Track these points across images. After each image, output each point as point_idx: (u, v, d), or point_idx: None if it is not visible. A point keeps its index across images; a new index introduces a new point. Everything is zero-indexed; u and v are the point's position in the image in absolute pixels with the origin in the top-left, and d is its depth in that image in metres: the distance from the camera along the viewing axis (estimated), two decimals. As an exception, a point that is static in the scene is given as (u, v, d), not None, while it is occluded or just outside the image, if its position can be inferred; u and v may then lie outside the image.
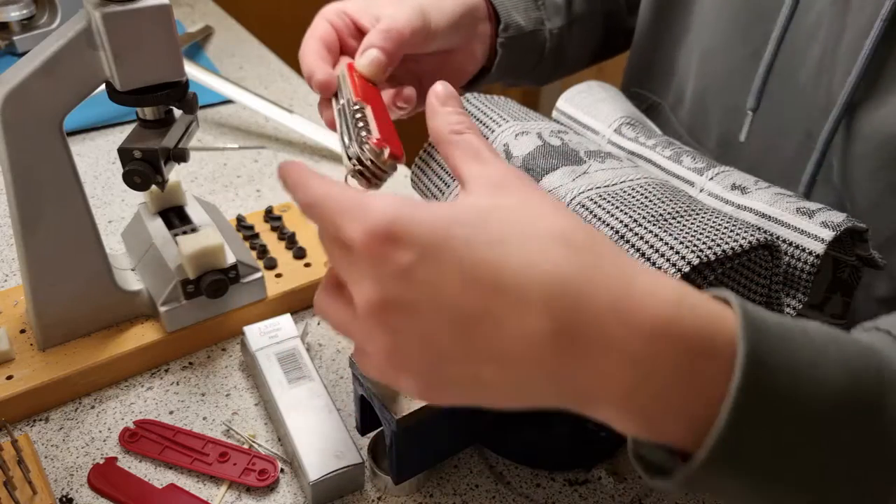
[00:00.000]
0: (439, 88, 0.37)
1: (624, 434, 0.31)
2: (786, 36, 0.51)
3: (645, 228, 0.40)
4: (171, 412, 0.54)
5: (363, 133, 0.38)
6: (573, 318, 0.29)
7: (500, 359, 0.30)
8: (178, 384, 0.57)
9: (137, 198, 0.78)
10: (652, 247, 0.39)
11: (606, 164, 0.46)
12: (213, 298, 0.58)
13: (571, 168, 0.45)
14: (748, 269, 0.40)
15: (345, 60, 0.49)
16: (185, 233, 0.61)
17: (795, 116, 0.52)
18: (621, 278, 0.29)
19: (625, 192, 0.44)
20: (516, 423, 0.50)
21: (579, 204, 0.43)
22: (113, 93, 0.50)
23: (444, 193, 0.49)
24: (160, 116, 0.53)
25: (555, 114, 0.58)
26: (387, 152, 0.36)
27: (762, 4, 0.53)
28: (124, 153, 0.51)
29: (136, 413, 0.54)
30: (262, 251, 0.66)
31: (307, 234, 0.69)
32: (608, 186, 0.44)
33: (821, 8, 0.49)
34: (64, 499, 0.48)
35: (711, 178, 0.47)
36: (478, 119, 0.51)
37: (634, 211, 0.42)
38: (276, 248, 0.67)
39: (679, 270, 0.37)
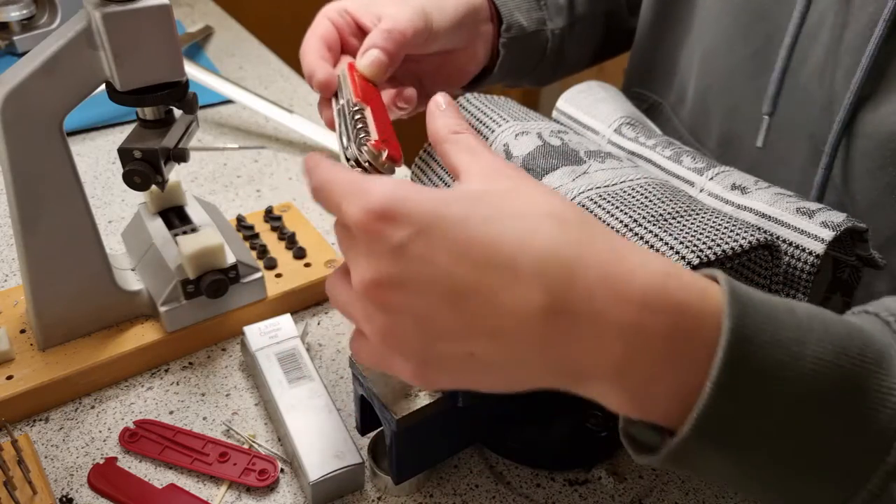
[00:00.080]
0: (440, 98, 0.38)
1: (614, 411, 0.32)
2: (782, 30, 0.51)
3: (645, 228, 0.40)
4: (171, 412, 0.54)
5: (362, 134, 0.38)
6: (565, 292, 0.29)
7: (493, 334, 0.30)
8: (178, 384, 0.57)
9: (137, 198, 0.78)
10: (652, 247, 0.39)
11: (606, 164, 0.46)
12: (213, 298, 0.58)
13: (571, 168, 0.45)
14: (748, 269, 0.40)
15: (345, 59, 0.49)
16: (185, 233, 0.61)
17: (796, 116, 0.52)
18: (611, 253, 0.30)
19: (625, 192, 0.44)
20: (516, 423, 0.50)
21: (579, 204, 0.43)
22: (113, 93, 0.50)
23: None
24: (160, 116, 0.53)
25: (555, 114, 0.58)
26: (385, 154, 0.36)
27: (763, 4, 0.53)
28: (124, 153, 0.51)
29: (136, 413, 0.54)
30: (262, 251, 0.66)
31: (307, 234, 0.69)
32: (608, 186, 0.44)
33: (822, 8, 0.49)
34: (64, 499, 0.48)
35: (711, 178, 0.47)
36: (478, 119, 0.51)
37: (634, 211, 0.42)
38: (276, 248, 0.67)
39: (679, 270, 0.37)
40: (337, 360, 0.60)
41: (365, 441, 0.50)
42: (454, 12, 0.54)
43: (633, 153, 0.52)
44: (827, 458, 0.29)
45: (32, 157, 0.49)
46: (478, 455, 0.52)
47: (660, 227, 0.40)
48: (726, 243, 0.39)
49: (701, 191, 0.47)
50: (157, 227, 0.61)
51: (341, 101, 0.44)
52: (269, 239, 0.68)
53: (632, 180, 0.45)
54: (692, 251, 0.38)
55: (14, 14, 1.00)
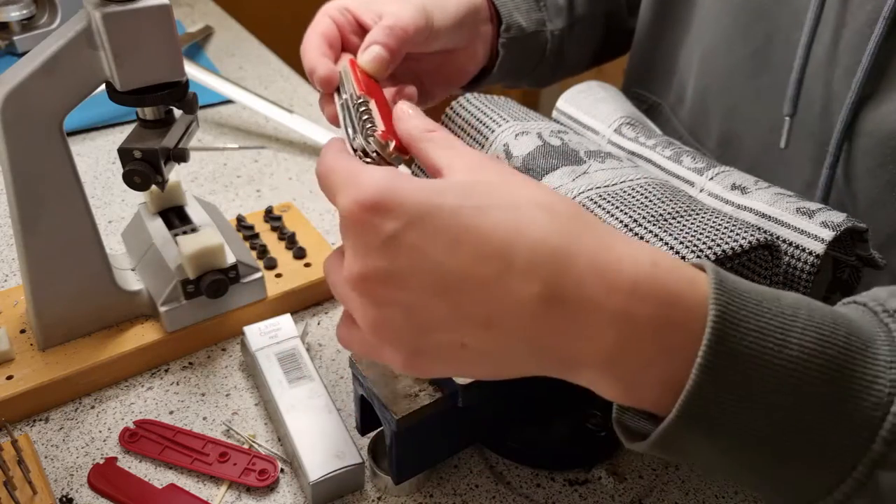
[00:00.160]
0: (405, 106, 0.38)
1: (605, 398, 0.32)
2: (788, 35, 0.51)
3: (645, 228, 0.40)
4: (171, 412, 0.54)
5: (368, 125, 0.38)
6: (557, 281, 0.30)
7: (486, 324, 0.31)
8: (178, 384, 0.57)
9: (137, 198, 0.78)
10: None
11: (606, 164, 0.46)
12: (213, 298, 0.58)
13: (571, 168, 0.45)
14: (748, 269, 0.40)
15: (346, 57, 0.49)
16: (185, 233, 0.61)
17: (797, 116, 0.52)
18: (601, 243, 0.31)
19: (625, 192, 0.44)
20: (516, 423, 0.50)
21: (579, 204, 0.43)
22: (113, 93, 0.50)
23: None
24: (160, 116, 0.53)
25: (555, 114, 0.58)
26: (392, 145, 0.36)
27: (762, 4, 0.53)
28: (124, 153, 0.51)
29: (136, 413, 0.54)
30: (262, 251, 0.66)
31: (307, 234, 0.69)
32: (608, 186, 0.44)
33: (823, 7, 0.49)
34: (64, 499, 0.48)
35: (711, 178, 0.47)
36: (477, 119, 0.51)
37: (634, 211, 0.42)
38: (276, 248, 0.67)
39: (679, 270, 0.37)
40: (337, 360, 0.60)
41: (365, 441, 0.50)
42: (455, 11, 0.54)
43: (633, 153, 0.52)
44: (813, 445, 0.30)
45: (32, 157, 0.49)
46: (478, 455, 0.52)
47: (660, 227, 0.40)
48: (726, 243, 0.39)
49: (701, 191, 0.47)
50: (157, 227, 0.61)
51: (344, 96, 0.44)
52: (269, 239, 0.68)
53: (632, 180, 0.45)
54: (692, 251, 0.38)
55: (14, 14, 1.00)
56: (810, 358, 0.29)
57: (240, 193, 0.81)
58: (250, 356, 0.56)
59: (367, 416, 0.48)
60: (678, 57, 0.64)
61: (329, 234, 0.74)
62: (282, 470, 0.50)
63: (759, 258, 0.40)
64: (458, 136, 0.37)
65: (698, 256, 0.38)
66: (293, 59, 1.13)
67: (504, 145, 0.48)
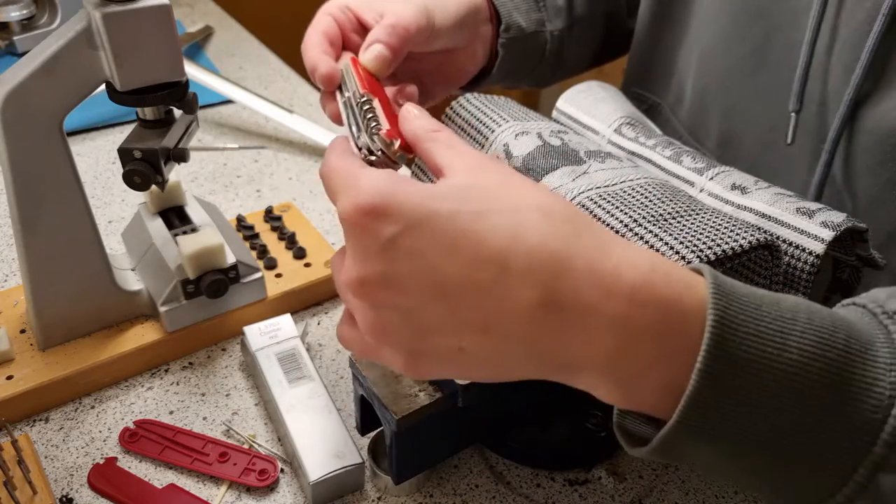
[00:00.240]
0: (410, 107, 0.38)
1: (605, 401, 0.32)
2: (787, 34, 0.51)
3: (645, 228, 0.40)
4: (171, 412, 0.54)
5: (373, 123, 0.38)
6: (555, 287, 0.30)
7: (484, 328, 0.31)
8: (178, 384, 0.57)
9: (137, 198, 0.78)
10: (652, 247, 0.39)
11: (606, 164, 0.46)
12: (213, 298, 0.58)
13: (571, 168, 0.45)
14: (748, 269, 0.40)
15: (346, 55, 0.49)
16: (185, 233, 0.61)
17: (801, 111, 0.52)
18: (599, 248, 0.31)
19: (625, 192, 0.44)
20: (516, 423, 0.50)
21: (579, 204, 0.43)
22: (113, 93, 0.50)
23: None
24: (160, 116, 0.53)
25: (555, 114, 0.58)
26: (397, 143, 0.36)
27: (762, 3, 0.53)
28: (124, 153, 0.51)
29: (136, 413, 0.54)
30: (262, 251, 0.66)
31: (307, 234, 0.69)
32: (608, 186, 0.44)
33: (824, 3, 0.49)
34: (64, 499, 0.48)
35: (711, 178, 0.47)
36: (477, 119, 0.51)
37: (634, 211, 0.42)
38: (276, 248, 0.67)
39: (679, 270, 0.37)
40: (337, 360, 0.60)
41: (365, 441, 0.50)
42: (456, 11, 0.54)
43: (633, 153, 0.52)
44: (814, 448, 0.30)
45: (32, 157, 0.49)
46: (478, 455, 0.52)
47: (660, 227, 0.40)
48: (726, 243, 0.39)
49: (701, 191, 0.47)
50: (157, 227, 0.61)
51: (346, 94, 0.44)
52: (269, 239, 0.68)
53: (632, 180, 0.45)
54: (692, 251, 0.38)
55: (14, 14, 1.00)
56: (810, 362, 0.29)
57: (240, 193, 0.81)
58: (250, 356, 0.56)
59: (367, 416, 0.48)
60: (677, 57, 0.64)
61: (329, 234, 0.74)
62: (282, 470, 0.50)
63: (759, 258, 0.40)
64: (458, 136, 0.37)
65: (698, 256, 0.38)
66: (293, 59, 1.13)
67: (504, 145, 0.48)
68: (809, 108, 0.51)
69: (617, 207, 0.42)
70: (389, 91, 0.50)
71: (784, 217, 0.43)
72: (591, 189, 0.44)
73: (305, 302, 0.65)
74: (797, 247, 0.41)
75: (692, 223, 0.41)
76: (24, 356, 0.55)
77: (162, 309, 0.57)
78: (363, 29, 0.51)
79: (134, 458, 0.51)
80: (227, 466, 0.50)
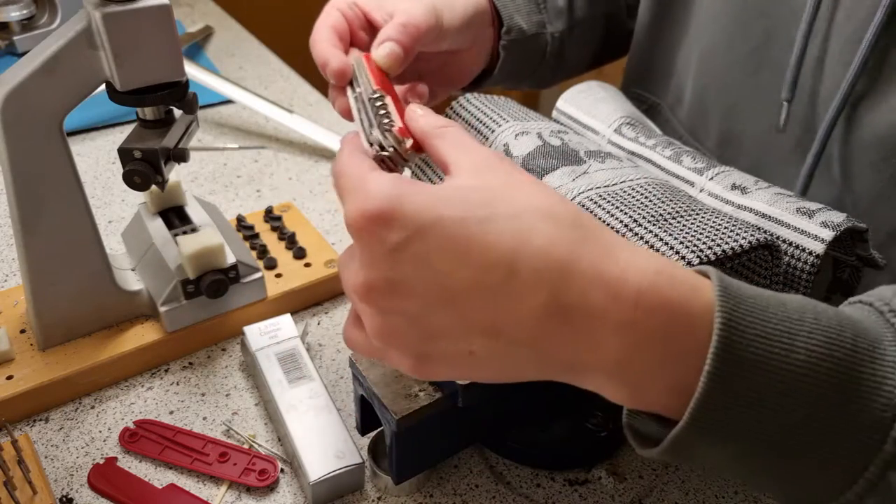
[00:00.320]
0: (415, 107, 0.38)
1: (614, 402, 0.32)
2: (787, 32, 0.51)
3: (645, 228, 0.40)
4: (171, 412, 0.54)
5: (385, 120, 0.38)
6: (562, 291, 0.30)
7: (491, 333, 0.31)
8: (178, 384, 0.57)
9: (137, 198, 0.78)
10: (652, 247, 0.39)
11: (606, 164, 0.46)
12: (213, 298, 0.58)
13: (571, 168, 0.45)
14: (748, 269, 0.40)
15: (354, 51, 0.49)
16: (185, 233, 0.61)
17: (796, 112, 0.52)
18: (605, 252, 0.31)
19: (625, 192, 0.44)
20: (516, 423, 0.50)
21: (579, 204, 0.43)
22: (113, 93, 0.50)
23: None
24: (160, 116, 0.53)
25: (555, 114, 0.58)
26: (409, 142, 0.36)
27: (763, 2, 0.53)
28: (124, 153, 0.51)
29: (136, 413, 0.54)
30: (262, 251, 0.66)
31: (307, 234, 0.69)
32: (608, 186, 0.44)
33: None
34: (64, 499, 0.48)
35: (711, 178, 0.47)
36: (478, 119, 0.51)
37: (634, 211, 0.42)
38: (276, 248, 0.67)
39: (679, 270, 0.37)
40: (337, 360, 0.60)
41: (365, 441, 0.50)
42: (463, 12, 0.54)
43: (633, 153, 0.52)
44: (823, 448, 0.30)
45: (32, 157, 0.49)
46: (478, 455, 0.52)
47: (660, 227, 0.40)
48: (726, 243, 0.39)
49: (701, 191, 0.47)
50: (157, 227, 0.61)
51: (358, 90, 0.44)
52: (269, 239, 0.68)
53: (632, 180, 0.45)
54: (692, 251, 0.38)
55: (14, 14, 1.00)
56: (818, 362, 0.29)
57: (240, 193, 0.81)
58: (250, 356, 0.56)
59: (367, 416, 0.48)
60: (676, 57, 0.64)
61: (329, 234, 0.74)
62: (282, 470, 0.50)
63: (759, 258, 0.40)
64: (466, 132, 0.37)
65: (698, 256, 0.38)
66: (293, 59, 1.13)
67: (504, 145, 0.48)
68: (809, 105, 0.51)
69: (617, 207, 0.42)
70: (400, 89, 0.50)
71: (784, 217, 0.43)
72: (591, 189, 0.44)
73: (305, 302, 0.65)
74: (797, 247, 0.41)
75: (692, 223, 0.41)
76: (24, 356, 0.55)
77: (162, 309, 0.57)
78: (370, 26, 0.51)
79: (134, 458, 0.51)
80: (227, 466, 0.50)
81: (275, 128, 0.94)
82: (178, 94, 0.51)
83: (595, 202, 0.43)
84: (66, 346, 0.56)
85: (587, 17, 0.67)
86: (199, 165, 0.85)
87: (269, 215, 0.71)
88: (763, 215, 0.43)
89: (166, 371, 0.58)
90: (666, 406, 0.31)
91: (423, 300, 0.31)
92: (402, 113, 0.39)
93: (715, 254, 0.38)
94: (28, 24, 1.03)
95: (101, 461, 0.50)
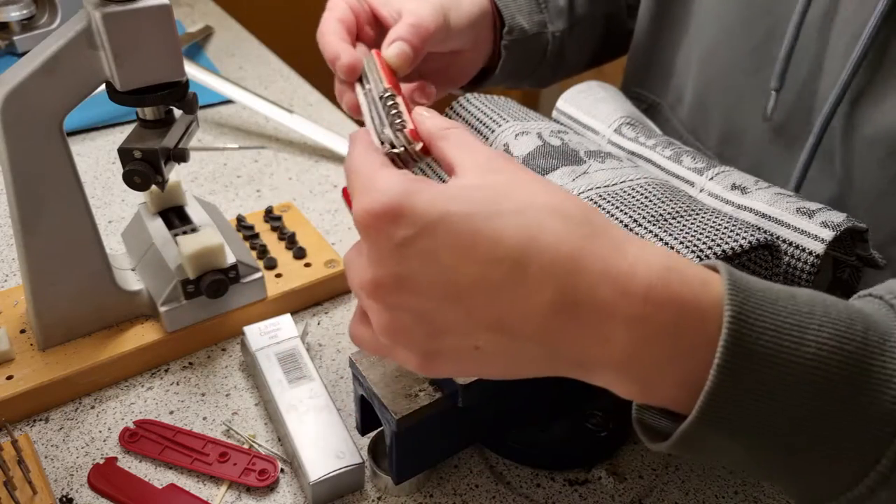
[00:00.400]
0: (422, 109, 0.39)
1: (623, 397, 0.32)
2: (786, 29, 0.51)
3: (645, 228, 0.40)
4: (171, 412, 0.54)
5: (397, 120, 0.38)
6: (571, 286, 0.30)
7: (499, 329, 0.31)
8: (178, 384, 0.57)
9: (137, 198, 0.78)
10: (652, 247, 0.39)
11: (606, 164, 0.46)
12: (213, 298, 0.58)
13: (571, 168, 0.45)
14: (748, 269, 0.40)
15: (361, 47, 0.49)
16: (185, 233, 0.61)
17: (795, 103, 0.52)
18: (613, 247, 0.31)
19: (625, 192, 0.44)
20: (516, 423, 0.50)
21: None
22: (113, 93, 0.50)
23: None
24: (160, 116, 0.53)
25: (555, 114, 0.58)
26: (420, 145, 0.37)
27: None
28: (124, 153, 0.51)
29: (136, 413, 0.54)
30: (262, 251, 0.66)
31: (307, 234, 0.69)
32: (608, 186, 0.44)
33: None
34: (64, 499, 0.48)
35: (711, 178, 0.47)
36: (478, 119, 0.51)
37: (634, 211, 0.42)
38: (276, 248, 0.67)
39: (679, 270, 0.37)
40: (337, 360, 0.60)
41: (365, 441, 0.50)
42: (469, 13, 0.54)
43: (633, 153, 0.52)
44: (834, 441, 0.30)
45: (32, 157, 0.49)
46: (478, 455, 0.52)
47: (660, 227, 0.40)
48: (726, 243, 0.39)
49: (701, 191, 0.47)
50: (157, 227, 0.61)
51: (367, 86, 0.44)
52: (269, 239, 0.68)
53: (632, 180, 0.45)
54: (692, 251, 0.38)
55: (14, 14, 1.00)
56: (829, 355, 0.29)
57: (240, 193, 0.81)
58: (250, 356, 0.56)
59: (367, 416, 0.48)
60: (676, 56, 0.64)
61: (329, 234, 0.74)
62: (282, 470, 0.50)
63: (759, 258, 0.40)
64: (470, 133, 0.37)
65: (698, 256, 0.38)
66: (293, 59, 1.13)
67: (504, 145, 0.48)
68: (808, 100, 0.51)
69: (617, 207, 0.42)
70: (407, 88, 0.50)
71: (784, 217, 0.43)
72: (591, 189, 0.44)
73: (305, 302, 0.65)
74: (797, 247, 0.41)
75: (692, 223, 0.41)
76: (24, 356, 0.55)
77: (162, 309, 0.57)
78: (378, 23, 0.51)
79: (134, 458, 0.51)
80: (227, 466, 0.50)
81: (275, 128, 0.94)
82: (178, 94, 0.51)
83: (595, 202, 0.43)
84: (66, 346, 0.56)
85: (588, 17, 0.67)
86: (199, 165, 0.85)
87: (269, 215, 0.71)
88: (763, 215, 0.43)
89: (166, 371, 0.58)
90: (675, 400, 0.31)
91: (429, 296, 0.31)
92: (410, 113, 0.39)
93: (715, 254, 0.38)
94: (28, 24, 1.03)
95: (101, 461, 0.50)
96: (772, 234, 0.42)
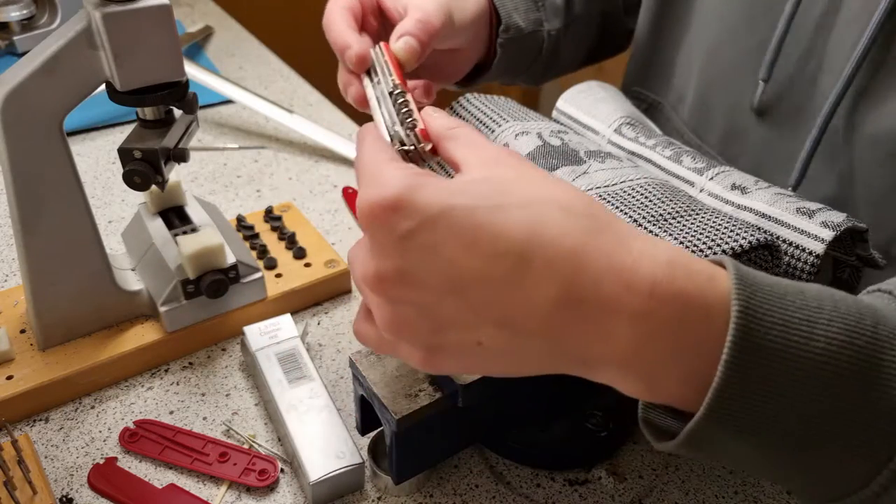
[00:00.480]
0: (429, 109, 0.38)
1: (627, 395, 0.32)
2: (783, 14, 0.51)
3: (645, 228, 0.40)
4: (171, 412, 0.54)
5: (408, 118, 0.38)
6: (575, 281, 0.29)
7: (502, 323, 0.30)
8: (178, 384, 0.57)
9: (137, 198, 0.78)
10: (652, 247, 0.39)
11: (606, 164, 0.46)
12: (213, 298, 0.58)
13: (571, 168, 0.45)
14: (748, 269, 0.40)
15: (366, 39, 0.48)
16: (185, 233, 0.61)
17: (798, 102, 0.52)
18: (618, 242, 0.30)
19: (625, 192, 0.44)
20: (516, 423, 0.50)
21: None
22: (113, 93, 0.50)
23: None
24: (160, 116, 0.53)
25: (555, 114, 0.58)
26: (430, 145, 0.37)
27: None
28: (124, 153, 0.51)
29: (136, 413, 0.54)
30: (262, 251, 0.66)
31: (307, 234, 0.69)
32: (608, 186, 0.44)
33: None
34: (64, 499, 0.48)
35: (711, 178, 0.47)
36: (478, 119, 0.51)
37: (634, 211, 0.42)
38: (276, 248, 0.67)
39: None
40: (337, 360, 0.60)
41: (365, 441, 0.50)
42: (471, 11, 0.54)
43: (633, 153, 0.52)
44: (844, 438, 0.29)
45: (32, 157, 0.49)
46: (478, 455, 0.52)
47: (660, 227, 0.40)
48: (726, 243, 0.39)
49: (701, 191, 0.47)
50: (157, 227, 0.61)
51: (375, 79, 0.43)
52: (269, 239, 0.68)
53: (632, 180, 0.45)
54: (692, 251, 0.38)
55: (14, 14, 1.00)
56: (839, 350, 0.29)
57: (240, 193, 0.81)
58: (250, 356, 0.56)
59: (367, 416, 0.48)
60: (678, 55, 0.64)
61: (329, 234, 0.74)
62: (282, 470, 0.50)
63: (759, 258, 0.40)
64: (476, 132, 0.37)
65: (698, 256, 0.38)
66: (293, 59, 1.13)
67: (504, 145, 0.48)
68: (813, 101, 0.51)
69: (617, 208, 0.42)
70: (412, 84, 0.50)
71: (784, 217, 0.43)
72: (591, 189, 0.44)
73: (305, 302, 0.65)
74: (797, 247, 0.41)
75: (692, 223, 0.41)
76: (24, 356, 0.55)
77: (162, 309, 0.57)
78: (382, 15, 0.51)
79: (134, 458, 0.51)
80: (227, 466, 0.50)
81: (275, 128, 0.94)
82: (178, 94, 0.51)
83: (595, 202, 0.43)
84: (66, 346, 0.56)
85: (584, 15, 0.67)
86: (199, 165, 0.85)
87: (269, 215, 0.71)
88: (763, 215, 0.43)
89: (166, 371, 0.58)
90: (682, 399, 0.30)
91: (432, 290, 0.30)
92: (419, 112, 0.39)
93: (715, 254, 0.38)
94: (28, 24, 1.03)
95: (101, 461, 0.50)
96: (772, 234, 0.42)
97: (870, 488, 0.30)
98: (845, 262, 0.45)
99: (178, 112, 0.55)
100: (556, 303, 0.29)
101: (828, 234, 0.40)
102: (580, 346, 0.30)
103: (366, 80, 0.45)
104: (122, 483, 0.49)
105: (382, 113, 0.40)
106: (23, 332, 0.57)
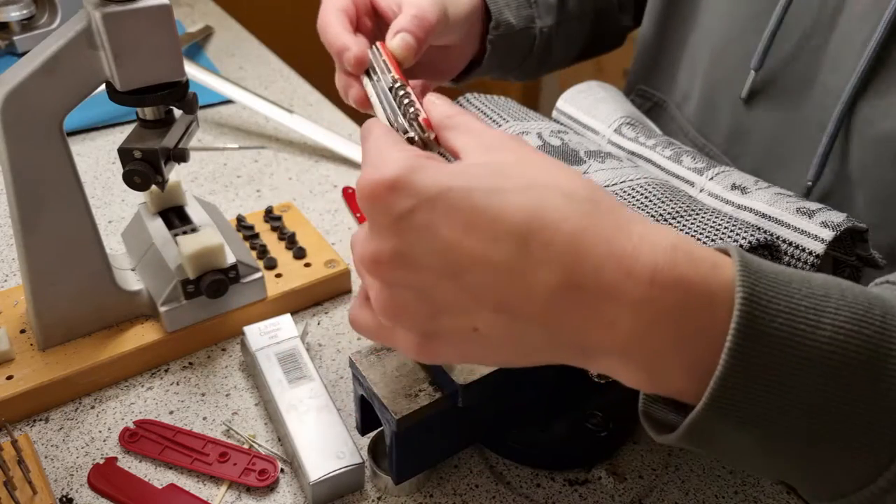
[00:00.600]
0: (432, 96, 0.38)
1: (629, 386, 0.31)
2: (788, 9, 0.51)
3: (645, 228, 0.40)
4: (171, 412, 0.54)
5: (411, 109, 0.38)
6: (575, 268, 0.29)
7: (498, 308, 0.30)
8: (178, 384, 0.57)
9: (137, 198, 0.78)
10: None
11: (606, 164, 0.46)
12: (213, 298, 0.58)
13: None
14: (748, 269, 0.40)
15: (363, 39, 0.48)
16: (185, 233, 0.61)
17: (806, 102, 0.52)
18: (619, 228, 0.30)
19: (625, 192, 0.44)
20: (516, 423, 0.50)
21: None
22: (113, 93, 0.50)
23: None
24: (160, 116, 0.53)
25: (555, 114, 0.58)
26: (433, 134, 0.37)
27: None
28: (124, 153, 0.51)
29: (136, 413, 0.54)
30: (262, 251, 0.66)
31: (307, 234, 0.69)
32: (608, 186, 0.44)
33: None
34: (64, 499, 0.48)
35: (711, 178, 0.47)
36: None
37: (634, 211, 0.42)
38: (276, 248, 0.67)
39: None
40: (337, 360, 0.60)
41: (365, 441, 0.50)
42: (465, 6, 0.54)
43: (633, 153, 0.52)
44: (851, 430, 0.29)
45: (32, 157, 0.49)
46: (478, 455, 0.52)
47: (660, 227, 0.40)
48: (726, 243, 0.39)
49: (701, 191, 0.47)
50: (157, 227, 0.61)
51: (375, 78, 0.43)
52: (269, 239, 0.68)
53: (632, 180, 0.45)
54: (692, 251, 0.38)
55: (14, 14, 1.00)
56: (846, 339, 0.28)
57: (240, 193, 0.81)
58: (250, 356, 0.56)
59: (367, 416, 0.48)
60: (684, 54, 0.64)
61: (329, 234, 0.74)
62: (282, 470, 0.50)
63: (759, 258, 0.40)
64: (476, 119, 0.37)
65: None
66: (293, 59, 1.13)
67: (504, 145, 0.48)
68: (822, 101, 0.51)
69: (617, 207, 0.42)
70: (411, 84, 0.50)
71: (784, 217, 0.43)
72: (591, 189, 0.44)
73: (305, 302, 0.65)
74: (797, 247, 0.41)
75: (692, 223, 0.41)
76: (24, 356, 0.55)
77: (162, 309, 0.57)
78: (376, 15, 0.50)
79: (134, 458, 0.51)
80: (227, 466, 0.50)
81: (275, 128, 0.94)
82: (178, 94, 0.51)
83: (595, 202, 0.43)
84: (66, 346, 0.56)
85: (577, 13, 0.67)
86: (199, 165, 0.85)
87: (269, 215, 0.71)
88: (763, 215, 0.43)
89: (166, 371, 0.58)
90: (683, 390, 0.30)
91: (429, 272, 0.30)
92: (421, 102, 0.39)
93: (715, 254, 0.38)
94: (28, 24, 1.03)
95: (101, 461, 0.50)
96: (772, 234, 0.42)
97: (876, 484, 0.29)
98: (845, 262, 0.45)
99: (178, 112, 0.55)
100: (555, 288, 0.29)
101: (828, 234, 0.40)
102: (579, 333, 0.30)
103: (365, 80, 0.45)
104: (122, 483, 0.49)
105: (385, 109, 0.40)
106: (23, 332, 0.57)
